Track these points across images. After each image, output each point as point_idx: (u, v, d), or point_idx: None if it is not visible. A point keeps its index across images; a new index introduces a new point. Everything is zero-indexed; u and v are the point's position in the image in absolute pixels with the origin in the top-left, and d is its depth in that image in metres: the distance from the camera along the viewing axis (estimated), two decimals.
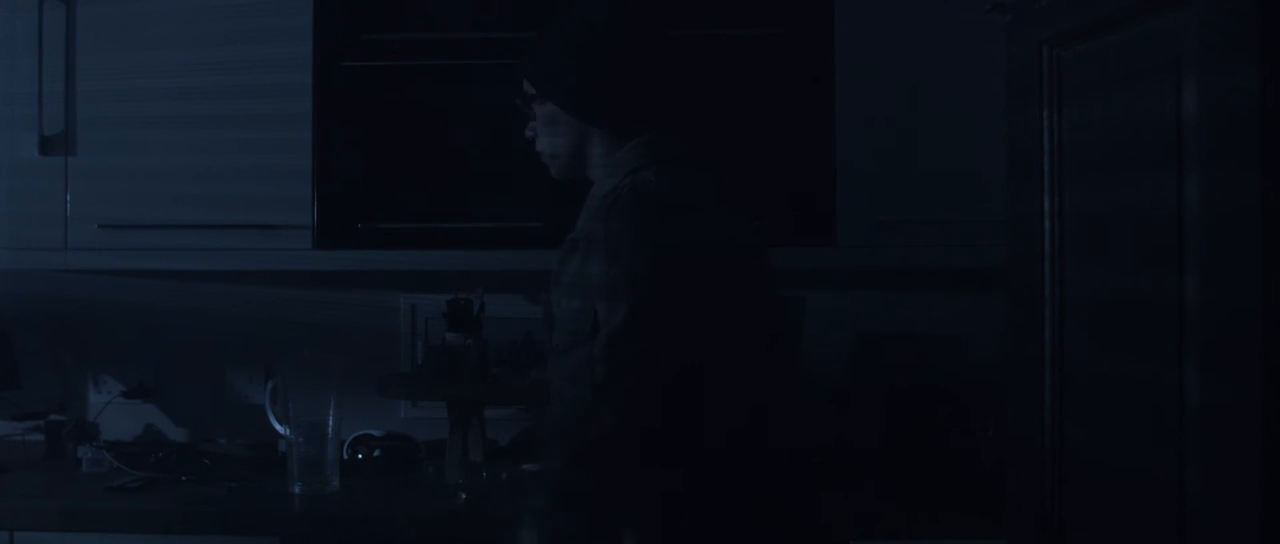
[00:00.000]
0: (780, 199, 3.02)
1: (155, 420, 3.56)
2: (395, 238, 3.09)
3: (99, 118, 3.14)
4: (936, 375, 3.29)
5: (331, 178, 3.10)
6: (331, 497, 2.99)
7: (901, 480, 3.04)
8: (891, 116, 3.03)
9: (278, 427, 3.17)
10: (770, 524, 2.14)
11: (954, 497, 2.93)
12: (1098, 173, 1.86)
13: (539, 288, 3.41)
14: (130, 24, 3.15)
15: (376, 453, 3.28)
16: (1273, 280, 1.43)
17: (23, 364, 3.41)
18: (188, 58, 3.12)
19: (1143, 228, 1.71)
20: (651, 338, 2.01)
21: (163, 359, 3.55)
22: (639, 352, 2.01)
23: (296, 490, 2.99)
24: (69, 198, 3.14)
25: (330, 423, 3.03)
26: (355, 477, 3.15)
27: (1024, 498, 2.08)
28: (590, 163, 2.28)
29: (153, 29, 3.13)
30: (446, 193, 3.06)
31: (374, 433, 3.33)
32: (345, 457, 3.21)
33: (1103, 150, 1.85)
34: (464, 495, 2.92)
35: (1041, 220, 1.99)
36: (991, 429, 3.07)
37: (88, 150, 3.15)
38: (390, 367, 3.49)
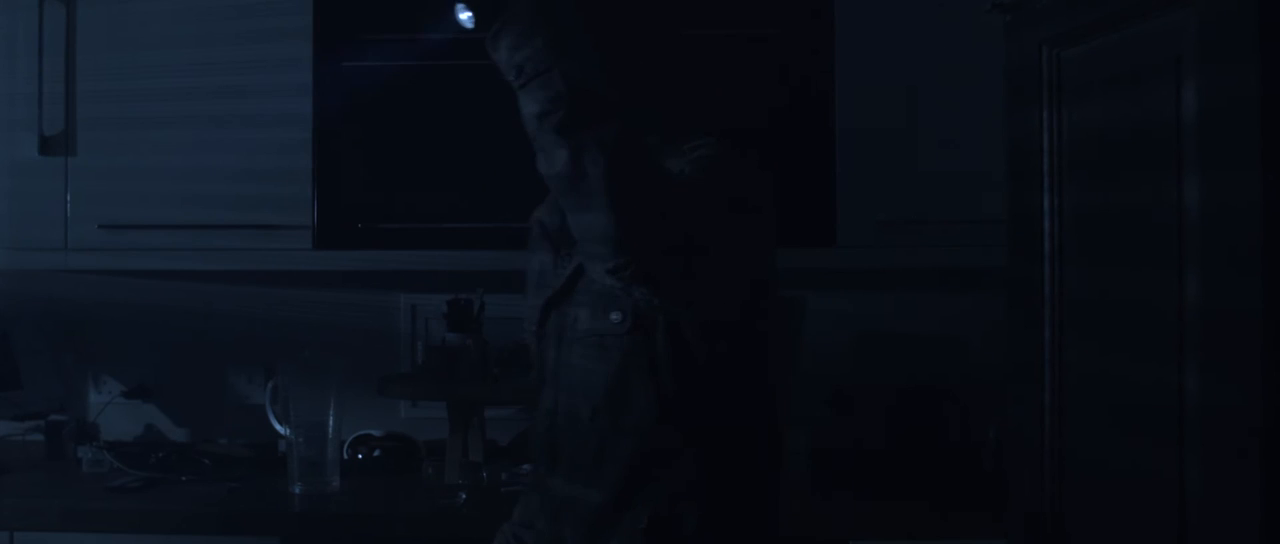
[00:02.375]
0: (780, 199, 3.01)
1: (155, 420, 3.56)
2: (395, 238, 3.09)
3: (99, 118, 3.14)
4: (937, 376, 3.29)
5: (331, 178, 3.10)
6: (332, 497, 2.99)
7: (902, 481, 3.04)
8: (891, 116, 3.02)
9: (278, 427, 3.17)
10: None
11: (954, 497, 2.93)
12: (1097, 173, 1.86)
13: None
14: (130, 24, 3.14)
15: (376, 453, 3.28)
16: (1273, 280, 1.43)
17: (23, 364, 3.41)
18: (187, 58, 3.12)
19: (1142, 228, 1.71)
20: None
21: (163, 359, 3.55)
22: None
23: (297, 491, 2.99)
24: (69, 198, 3.14)
25: (330, 423, 3.03)
26: (355, 477, 3.14)
27: (1024, 498, 2.08)
28: None
29: (153, 29, 3.13)
30: (446, 193, 3.06)
31: (374, 433, 3.33)
32: (345, 457, 3.21)
33: (1102, 150, 1.85)
34: (464, 495, 2.92)
35: (1041, 220, 1.99)
36: (992, 429, 3.07)
37: (88, 151, 3.14)
38: (390, 367, 3.49)
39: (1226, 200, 1.51)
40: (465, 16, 1.87)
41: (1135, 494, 1.76)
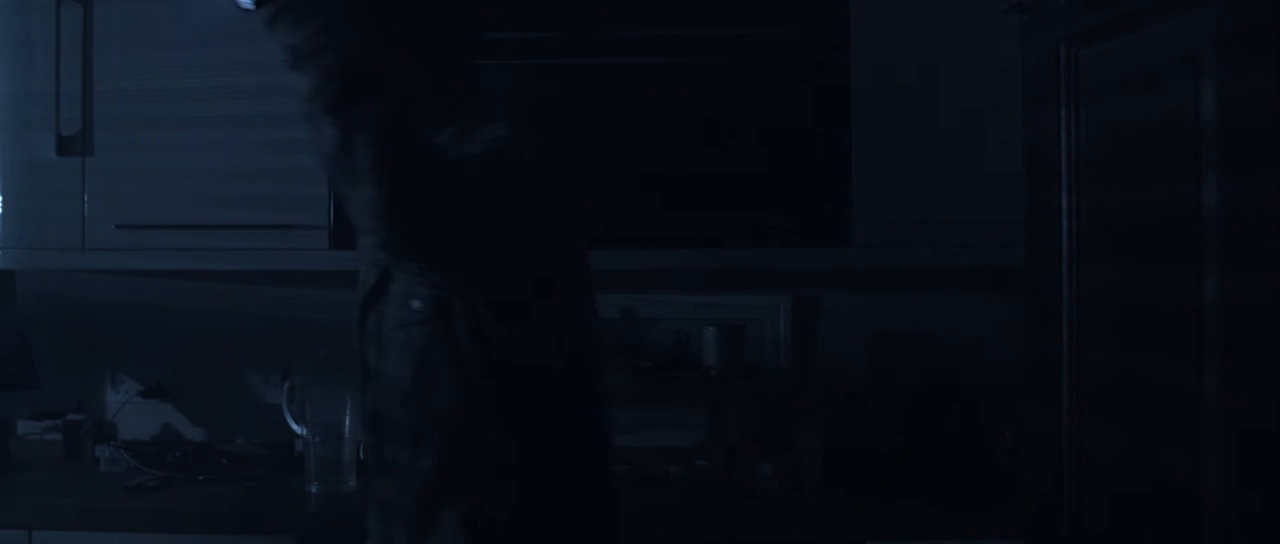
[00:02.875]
0: (796, 199, 3.02)
1: (172, 420, 3.57)
2: None
3: (116, 118, 3.15)
4: (953, 376, 3.29)
5: None
6: (348, 496, 2.99)
7: (916, 481, 3.03)
8: (907, 116, 3.02)
9: (294, 426, 3.18)
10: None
11: (970, 497, 2.92)
12: (1115, 172, 1.86)
13: None
14: (147, 25, 3.15)
15: None
16: None
17: (41, 364, 3.42)
18: (204, 58, 3.12)
19: (1161, 227, 1.71)
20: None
21: (180, 359, 3.56)
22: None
23: (313, 490, 3.00)
24: (86, 198, 3.15)
25: (346, 422, 3.03)
26: None
27: (1042, 498, 2.08)
28: None
29: (169, 30, 3.13)
30: None
31: None
32: (361, 456, 3.21)
33: (1120, 149, 1.85)
34: None
35: (1059, 220, 1.99)
36: (1009, 429, 3.07)
37: (105, 151, 3.15)
38: None
39: (1245, 199, 1.50)
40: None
41: (1154, 494, 1.75)
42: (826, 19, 3.04)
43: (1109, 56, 1.87)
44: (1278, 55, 1.44)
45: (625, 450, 3.37)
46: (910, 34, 3.02)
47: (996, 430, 3.12)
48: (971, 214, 2.97)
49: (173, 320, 3.54)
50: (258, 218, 3.10)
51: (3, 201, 3.19)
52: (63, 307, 3.55)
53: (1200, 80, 1.60)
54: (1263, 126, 1.46)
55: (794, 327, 3.42)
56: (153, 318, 3.55)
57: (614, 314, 3.44)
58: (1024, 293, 2.15)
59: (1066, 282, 1.97)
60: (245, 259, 3.16)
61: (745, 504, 2.94)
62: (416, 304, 1.99)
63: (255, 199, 3.10)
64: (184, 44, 3.12)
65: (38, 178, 3.17)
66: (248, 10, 1.83)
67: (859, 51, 3.03)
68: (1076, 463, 1.97)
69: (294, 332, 3.49)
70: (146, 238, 3.13)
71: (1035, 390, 2.09)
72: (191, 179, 3.12)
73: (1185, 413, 1.63)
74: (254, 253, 3.13)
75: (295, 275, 3.40)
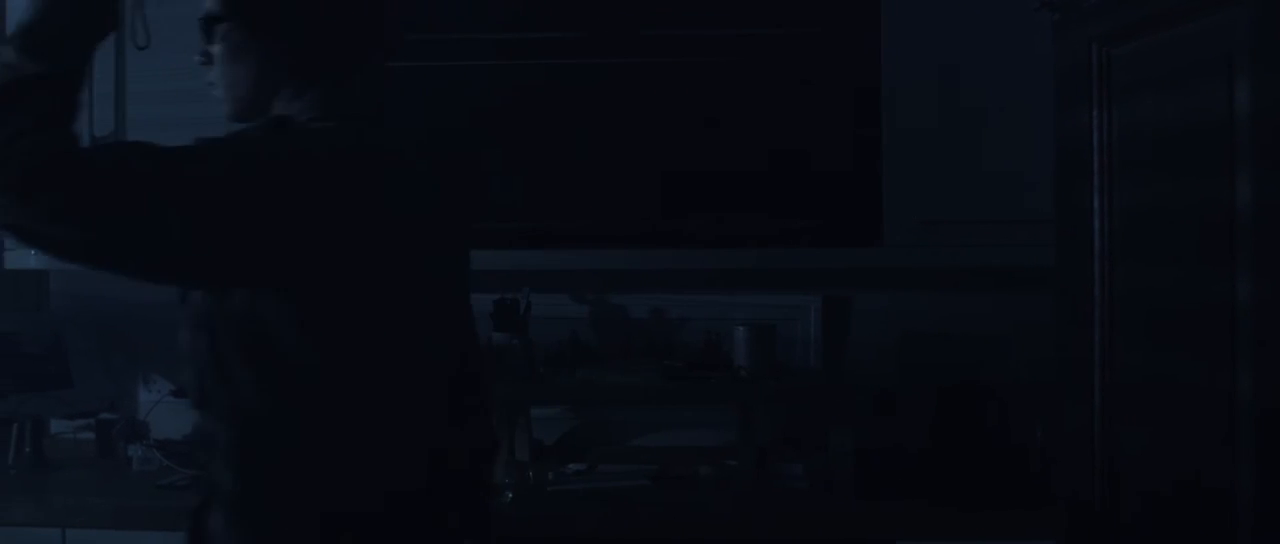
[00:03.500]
0: (826, 198, 3.01)
1: None
2: None
3: (148, 119, 3.15)
4: (983, 375, 3.28)
5: None
6: None
7: (947, 481, 3.02)
8: (938, 115, 3.01)
9: None
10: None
11: (1001, 497, 2.91)
12: (1148, 171, 1.85)
13: (585, 288, 3.43)
14: (180, 25, 3.13)
15: None
16: None
17: (74, 364, 3.44)
18: None
19: (1194, 226, 1.70)
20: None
21: None
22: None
23: None
24: None
25: None
26: None
27: (1073, 498, 2.07)
28: (270, 106, 2.03)
29: None
30: (490, 192, 3.07)
31: None
32: None
33: (1153, 148, 1.84)
34: (510, 495, 2.92)
35: (1091, 219, 1.98)
36: (1040, 429, 3.05)
37: None
38: None
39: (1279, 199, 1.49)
40: None
41: (1185, 494, 1.74)
42: (858, 19, 3.03)
43: (1142, 55, 1.86)
44: None
45: (655, 450, 3.38)
46: (940, 33, 3.01)
47: (1027, 430, 3.10)
48: (1002, 214, 2.95)
49: None
50: None
51: None
52: (95, 306, 3.57)
53: (1234, 79, 1.59)
54: None
55: (824, 326, 3.42)
56: None
57: (644, 314, 3.44)
58: (1055, 293, 2.14)
59: (1098, 281, 1.96)
60: None
61: (775, 504, 2.93)
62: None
63: None
64: None
65: None
66: None
67: (890, 51, 3.02)
68: (1109, 462, 1.96)
69: None
70: None
71: (1067, 390, 2.08)
72: None
73: (1218, 412, 1.62)
74: None
75: None
